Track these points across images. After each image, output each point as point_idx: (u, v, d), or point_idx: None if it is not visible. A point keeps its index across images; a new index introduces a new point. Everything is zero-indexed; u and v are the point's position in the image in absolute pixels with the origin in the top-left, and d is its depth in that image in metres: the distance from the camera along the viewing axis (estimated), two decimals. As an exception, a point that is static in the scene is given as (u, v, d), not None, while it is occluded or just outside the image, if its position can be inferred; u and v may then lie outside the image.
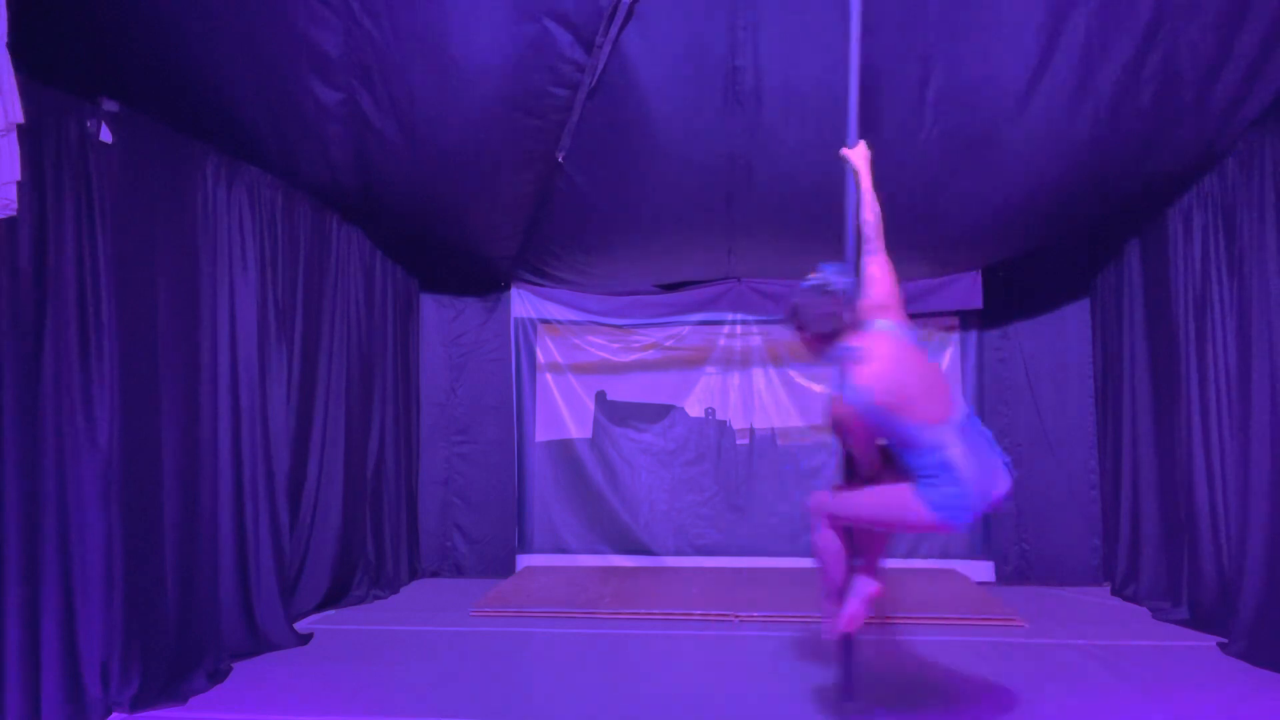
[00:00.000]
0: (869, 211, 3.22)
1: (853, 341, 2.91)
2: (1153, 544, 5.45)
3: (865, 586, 3.23)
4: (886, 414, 2.83)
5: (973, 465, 2.84)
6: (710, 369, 6.93)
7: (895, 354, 2.90)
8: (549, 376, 6.99)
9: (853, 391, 2.86)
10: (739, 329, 6.92)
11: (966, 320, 6.61)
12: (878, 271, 3.13)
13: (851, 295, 2.96)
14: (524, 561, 6.83)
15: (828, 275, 2.97)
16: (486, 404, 6.95)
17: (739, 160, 4.75)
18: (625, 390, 6.96)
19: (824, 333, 2.92)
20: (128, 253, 3.67)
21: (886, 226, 3.23)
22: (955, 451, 2.83)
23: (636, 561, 6.75)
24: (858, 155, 3.29)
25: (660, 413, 6.93)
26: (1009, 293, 6.45)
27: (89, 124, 3.49)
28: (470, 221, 5.69)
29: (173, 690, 3.71)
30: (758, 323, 6.88)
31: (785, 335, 6.83)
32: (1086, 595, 5.88)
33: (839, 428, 3.10)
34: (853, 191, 3.28)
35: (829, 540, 3.17)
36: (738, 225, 5.50)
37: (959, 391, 2.99)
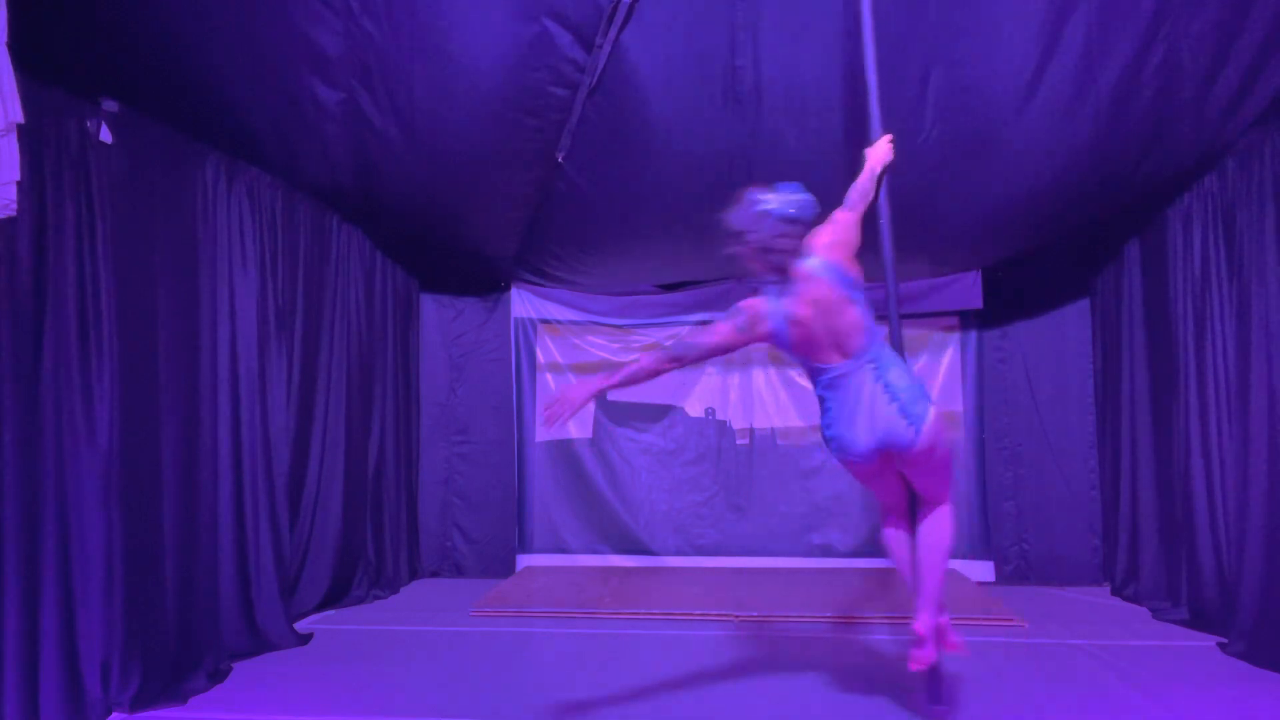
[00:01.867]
0: (860, 193, 3.28)
1: (791, 270, 3.01)
2: (1152, 544, 5.45)
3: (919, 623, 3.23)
4: (794, 344, 3.05)
5: (839, 408, 3.06)
6: (710, 369, 6.93)
7: (819, 298, 3.00)
8: (549, 376, 6.99)
9: (775, 315, 3.01)
10: (739, 329, 6.91)
11: (966, 320, 6.61)
12: (846, 220, 3.18)
13: (808, 223, 3.04)
14: (524, 561, 6.83)
15: (791, 199, 2.99)
16: (486, 404, 6.95)
17: (739, 160, 4.75)
18: (625, 390, 6.94)
19: (771, 250, 2.98)
20: (128, 253, 3.67)
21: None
22: (830, 391, 3.07)
23: (636, 561, 6.75)
24: (876, 153, 3.35)
25: (660, 413, 6.93)
26: (1009, 293, 6.45)
27: (89, 124, 3.49)
28: (470, 221, 5.69)
29: (173, 690, 3.71)
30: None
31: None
32: (1086, 595, 5.88)
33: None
34: (885, 200, 3.33)
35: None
36: (738, 225, 5.49)
37: (870, 328, 3.06)
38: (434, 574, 6.77)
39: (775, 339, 3.06)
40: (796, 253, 3.01)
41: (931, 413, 3.01)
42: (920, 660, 3.20)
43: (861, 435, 3.03)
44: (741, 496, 6.78)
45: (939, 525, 3.17)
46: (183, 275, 4.08)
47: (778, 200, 2.98)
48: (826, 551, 6.67)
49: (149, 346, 3.82)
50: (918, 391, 3.02)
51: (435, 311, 7.00)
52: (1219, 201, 4.64)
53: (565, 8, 3.79)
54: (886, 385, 2.99)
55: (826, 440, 3.16)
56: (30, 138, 3.09)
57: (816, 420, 3.28)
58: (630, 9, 3.83)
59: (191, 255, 4.16)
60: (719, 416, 6.90)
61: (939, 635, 3.21)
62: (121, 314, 3.61)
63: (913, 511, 3.25)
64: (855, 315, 3.02)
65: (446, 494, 6.89)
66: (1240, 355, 4.45)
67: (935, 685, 3.35)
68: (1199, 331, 4.84)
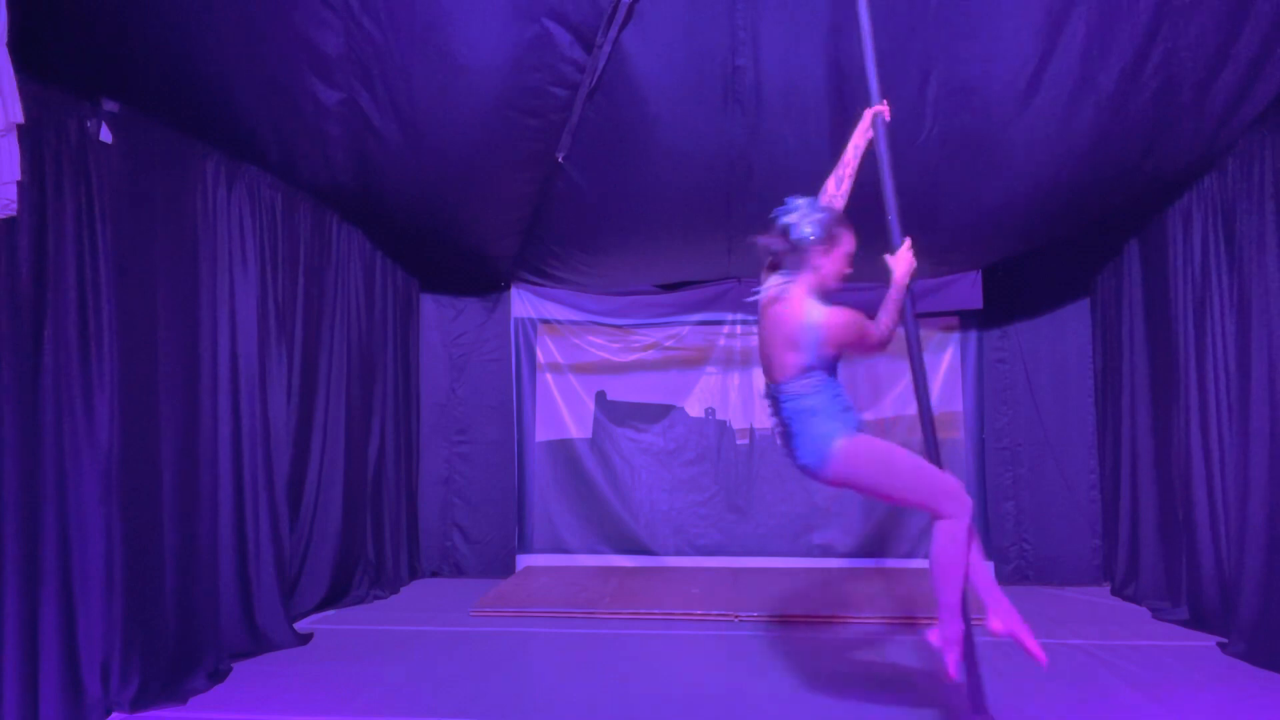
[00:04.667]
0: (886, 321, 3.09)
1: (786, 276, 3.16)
2: (1152, 544, 5.45)
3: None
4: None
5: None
6: (710, 369, 6.93)
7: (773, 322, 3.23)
8: (549, 376, 6.99)
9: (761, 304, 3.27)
10: (739, 329, 6.92)
11: (966, 320, 6.62)
12: (844, 332, 3.16)
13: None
14: (524, 561, 6.83)
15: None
16: (486, 404, 6.94)
17: (739, 160, 4.75)
18: (625, 390, 6.95)
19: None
20: (128, 253, 3.68)
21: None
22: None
23: (636, 561, 6.75)
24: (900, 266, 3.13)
25: (660, 413, 6.93)
26: (1009, 293, 6.45)
27: (89, 124, 3.50)
28: (470, 221, 5.69)
29: (173, 690, 3.71)
30: (758, 323, 6.87)
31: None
32: (1086, 595, 5.88)
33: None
34: (886, 161, 3.13)
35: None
36: (738, 225, 5.50)
37: (804, 374, 3.08)
38: (434, 574, 6.76)
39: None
40: (814, 272, 3.06)
41: (835, 448, 2.98)
42: (948, 666, 3.08)
43: (791, 455, 3.14)
44: (741, 496, 6.78)
45: (934, 543, 3.06)
46: (183, 275, 4.08)
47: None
48: (826, 551, 6.67)
49: (149, 346, 3.82)
50: (820, 432, 3.01)
51: (435, 311, 6.99)
52: (1219, 201, 4.64)
53: (565, 8, 3.79)
54: (795, 418, 3.05)
55: None
56: (30, 138, 3.09)
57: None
58: (630, 9, 3.83)
59: (191, 255, 4.16)
60: (719, 416, 6.90)
61: (951, 646, 3.04)
62: (121, 314, 3.62)
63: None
64: (791, 361, 3.04)
65: (446, 494, 6.89)
66: (1241, 355, 4.45)
67: (976, 694, 3.22)
68: (1199, 331, 4.84)
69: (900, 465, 3.01)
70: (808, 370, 3.02)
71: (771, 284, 3.12)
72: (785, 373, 3.05)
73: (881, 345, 3.09)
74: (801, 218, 3.02)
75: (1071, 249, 6.11)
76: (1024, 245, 5.87)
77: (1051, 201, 5.03)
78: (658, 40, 4.03)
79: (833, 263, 3.04)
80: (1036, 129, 4.36)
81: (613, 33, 3.93)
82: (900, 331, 3.15)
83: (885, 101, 3.22)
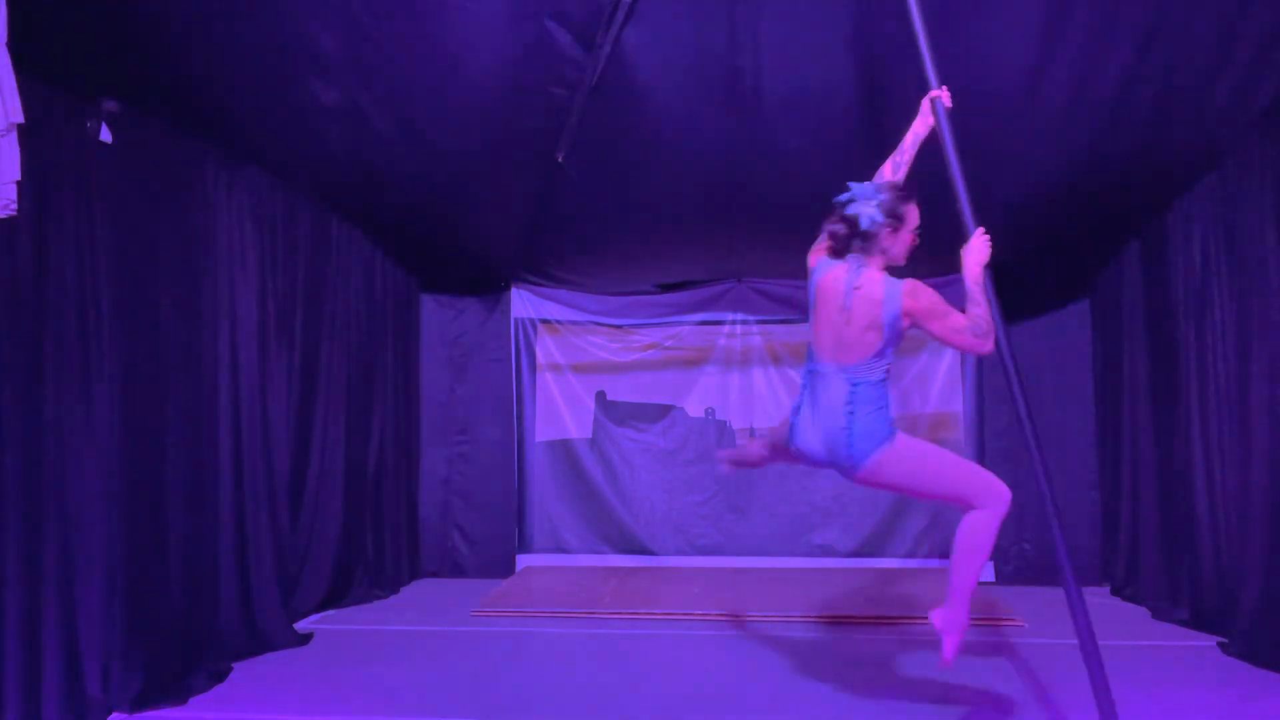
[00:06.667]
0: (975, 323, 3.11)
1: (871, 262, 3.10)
2: (1153, 544, 5.45)
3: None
4: (813, 319, 3.19)
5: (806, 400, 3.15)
6: (710, 369, 6.93)
7: (861, 302, 3.03)
8: (549, 376, 6.99)
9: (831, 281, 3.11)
10: (739, 329, 6.93)
11: (966, 320, 6.61)
12: (931, 310, 3.19)
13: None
14: (524, 561, 6.83)
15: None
16: (486, 404, 6.94)
17: (739, 160, 4.75)
18: (625, 390, 6.96)
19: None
20: (128, 252, 3.68)
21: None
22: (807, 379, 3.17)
23: (636, 561, 6.75)
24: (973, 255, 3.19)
25: (660, 413, 6.93)
26: (1009, 293, 6.42)
27: (89, 124, 3.50)
28: (470, 221, 5.69)
29: (173, 690, 3.71)
30: (758, 323, 6.89)
31: (785, 335, 6.88)
32: (1087, 595, 5.84)
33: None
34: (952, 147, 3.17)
35: None
36: (738, 225, 5.50)
37: (874, 362, 3.06)
38: (434, 574, 6.76)
39: (810, 298, 3.16)
40: (882, 254, 3.08)
41: (879, 454, 2.98)
42: (946, 650, 3.21)
43: (809, 435, 3.09)
44: (741, 496, 6.78)
45: (963, 529, 3.21)
46: (183, 275, 4.08)
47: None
48: (826, 552, 6.67)
49: (149, 346, 3.82)
50: (875, 428, 2.99)
51: (435, 311, 6.99)
52: (1219, 201, 4.64)
53: (565, 8, 3.79)
54: (849, 407, 3.00)
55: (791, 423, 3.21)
56: (30, 138, 3.09)
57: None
58: (630, 9, 3.82)
59: (191, 255, 4.16)
60: (719, 416, 6.91)
61: (953, 631, 3.21)
62: (122, 314, 3.62)
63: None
64: (871, 340, 2.99)
65: (446, 494, 6.88)
66: (1241, 355, 4.44)
67: None
68: (1199, 331, 4.84)
69: (942, 463, 3.14)
70: (882, 353, 3.01)
71: (839, 267, 3.08)
72: (864, 353, 3.00)
73: (977, 337, 3.05)
74: (866, 204, 3.02)
75: (1071, 249, 6.10)
76: (1024, 245, 5.86)
77: (1051, 202, 5.02)
78: (658, 40, 4.03)
79: (901, 242, 3.11)
80: (1037, 129, 4.36)
81: (613, 32, 3.92)
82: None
83: (945, 88, 3.18)
